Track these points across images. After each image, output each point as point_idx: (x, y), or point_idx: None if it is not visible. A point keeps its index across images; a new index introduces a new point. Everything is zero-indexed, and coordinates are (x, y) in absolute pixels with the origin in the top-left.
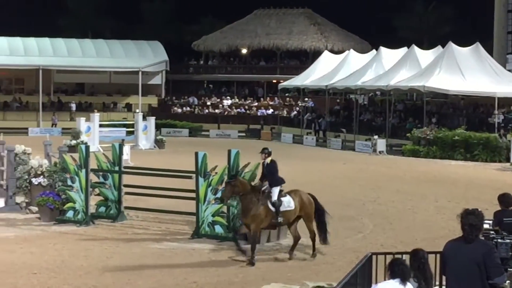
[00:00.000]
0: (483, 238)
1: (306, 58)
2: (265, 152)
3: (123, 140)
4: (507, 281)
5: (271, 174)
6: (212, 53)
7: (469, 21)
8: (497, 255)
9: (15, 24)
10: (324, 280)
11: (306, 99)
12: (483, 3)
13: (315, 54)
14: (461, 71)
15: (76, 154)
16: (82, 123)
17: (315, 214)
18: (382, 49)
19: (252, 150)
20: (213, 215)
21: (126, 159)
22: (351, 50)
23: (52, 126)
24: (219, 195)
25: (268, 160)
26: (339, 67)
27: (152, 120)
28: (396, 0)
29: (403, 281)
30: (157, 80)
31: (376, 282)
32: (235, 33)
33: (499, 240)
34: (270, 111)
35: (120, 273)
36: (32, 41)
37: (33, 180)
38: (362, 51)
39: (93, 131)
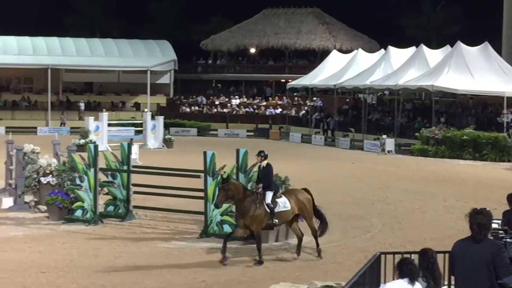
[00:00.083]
0: (492, 237)
1: (314, 57)
2: (261, 155)
3: (131, 139)
4: None
5: (266, 177)
6: (220, 53)
7: (477, 20)
8: (506, 255)
9: (24, 23)
10: (333, 280)
11: (315, 98)
12: (491, 3)
13: (324, 54)
14: (470, 71)
15: (85, 153)
16: (90, 122)
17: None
18: (391, 48)
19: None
20: (221, 214)
21: (134, 158)
22: (360, 49)
23: (60, 125)
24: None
25: (264, 163)
26: (347, 66)
27: (160, 119)
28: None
29: (412, 280)
30: (166, 79)
31: (385, 282)
32: (244, 33)
33: (508, 240)
34: (279, 110)
35: (128, 272)
36: (40, 41)
37: (42, 179)
38: (371, 50)
39: (101, 130)
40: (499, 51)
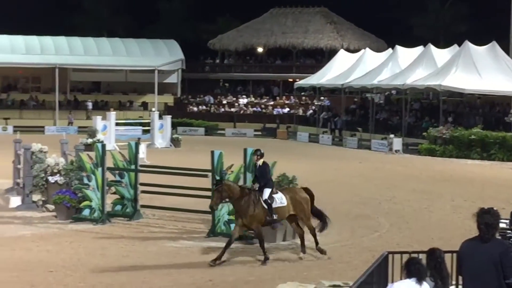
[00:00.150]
0: (499, 237)
1: (322, 57)
2: (258, 154)
3: (139, 138)
4: None
5: (262, 176)
6: (228, 52)
7: (485, 19)
8: None
9: (32, 23)
10: (340, 279)
11: (322, 98)
12: (499, 1)
13: (331, 53)
14: (478, 70)
15: (93, 152)
16: (98, 122)
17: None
18: (398, 47)
19: (268, 149)
20: (229, 214)
21: (142, 157)
22: (367, 49)
23: (68, 125)
24: None
25: (260, 162)
26: (355, 66)
27: (168, 118)
28: None
29: (420, 280)
30: (173, 78)
31: (392, 282)
32: (251, 32)
33: None
34: (286, 110)
35: (136, 271)
36: (48, 40)
37: (50, 178)
38: (378, 50)
39: (109, 130)
40: (507, 51)
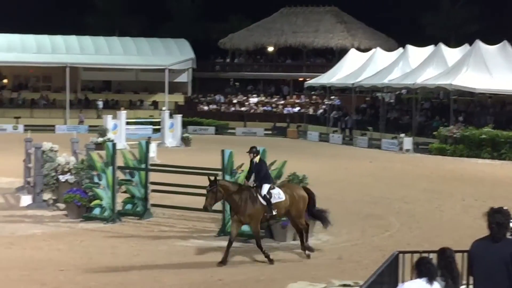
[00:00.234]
0: (510, 237)
1: (332, 56)
2: (253, 151)
3: (149, 137)
4: None
5: (259, 173)
6: (238, 51)
7: (496, 19)
8: None
9: (43, 22)
10: (350, 279)
11: (333, 97)
12: (510, 1)
13: (342, 52)
14: (488, 69)
15: (103, 151)
16: (108, 121)
17: (308, 206)
18: (409, 47)
19: (279, 148)
20: None
21: (152, 156)
22: (378, 48)
23: (79, 124)
24: None
25: (257, 159)
26: (365, 65)
27: (178, 118)
28: None
29: (430, 280)
30: (184, 78)
31: (403, 281)
32: (262, 31)
33: None
34: (297, 109)
35: (146, 270)
36: (59, 39)
37: (60, 177)
38: (389, 49)
39: (119, 129)
40: None
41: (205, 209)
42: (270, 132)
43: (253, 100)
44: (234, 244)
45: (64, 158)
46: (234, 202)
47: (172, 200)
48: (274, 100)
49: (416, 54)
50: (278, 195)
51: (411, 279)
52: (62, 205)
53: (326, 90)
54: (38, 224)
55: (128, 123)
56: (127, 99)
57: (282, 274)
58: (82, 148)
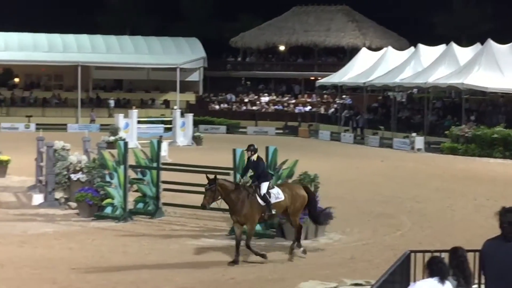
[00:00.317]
0: None
1: (343, 55)
2: (251, 149)
3: (161, 136)
4: None
5: (257, 171)
6: (250, 50)
7: (508, 18)
8: None
9: (54, 21)
10: (362, 278)
11: (344, 96)
12: None
13: (353, 51)
14: (500, 69)
15: (115, 150)
16: (120, 120)
17: (308, 207)
18: (421, 46)
19: (290, 147)
20: None
21: (164, 155)
22: (389, 47)
23: (90, 123)
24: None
25: (254, 157)
26: (377, 64)
27: (190, 116)
28: None
29: (442, 279)
30: (195, 76)
31: (415, 281)
32: (273, 30)
33: None
34: (308, 108)
35: (158, 269)
36: (71, 38)
37: (72, 176)
38: (400, 48)
39: (131, 128)
40: None
41: (203, 207)
42: (281, 131)
43: (265, 99)
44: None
45: (76, 156)
46: (231, 202)
47: (184, 199)
48: (285, 99)
49: (427, 53)
50: (277, 195)
51: (423, 278)
52: (73, 204)
53: (338, 89)
54: (49, 222)
55: (139, 122)
56: (139, 98)
57: (293, 273)
58: (93, 147)
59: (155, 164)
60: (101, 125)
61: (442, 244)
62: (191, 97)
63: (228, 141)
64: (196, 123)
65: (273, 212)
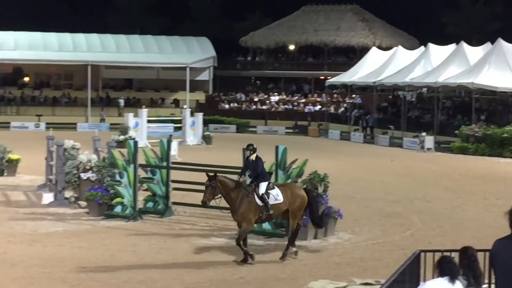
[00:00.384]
0: None
1: (353, 54)
2: (250, 148)
3: (170, 135)
4: None
5: (256, 171)
6: (259, 49)
7: None
8: None
9: (64, 20)
10: (372, 277)
11: (354, 95)
12: None
13: (363, 51)
14: (511, 68)
15: (125, 149)
16: (130, 119)
17: (309, 208)
18: (431, 45)
19: (300, 147)
20: None
21: (173, 154)
22: (399, 46)
23: (100, 122)
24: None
25: (253, 157)
26: (387, 63)
27: (199, 116)
28: None
29: (452, 279)
30: (205, 76)
31: (425, 280)
32: (283, 29)
33: None
34: (318, 107)
35: (167, 268)
36: (81, 37)
37: (82, 175)
38: (411, 47)
39: (141, 127)
40: None
41: (204, 204)
42: (291, 130)
43: (274, 98)
44: (254, 241)
45: (86, 156)
46: (230, 200)
47: (194, 198)
48: (295, 98)
49: (437, 52)
50: (276, 196)
51: (433, 278)
52: (83, 203)
53: (347, 89)
54: (59, 221)
55: (149, 121)
56: (148, 97)
57: (303, 272)
58: (103, 146)
59: (165, 163)
60: (111, 124)
61: (452, 244)
62: (201, 96)
63: (237, 141)
64: (206, 122)
65: (271, 212)
